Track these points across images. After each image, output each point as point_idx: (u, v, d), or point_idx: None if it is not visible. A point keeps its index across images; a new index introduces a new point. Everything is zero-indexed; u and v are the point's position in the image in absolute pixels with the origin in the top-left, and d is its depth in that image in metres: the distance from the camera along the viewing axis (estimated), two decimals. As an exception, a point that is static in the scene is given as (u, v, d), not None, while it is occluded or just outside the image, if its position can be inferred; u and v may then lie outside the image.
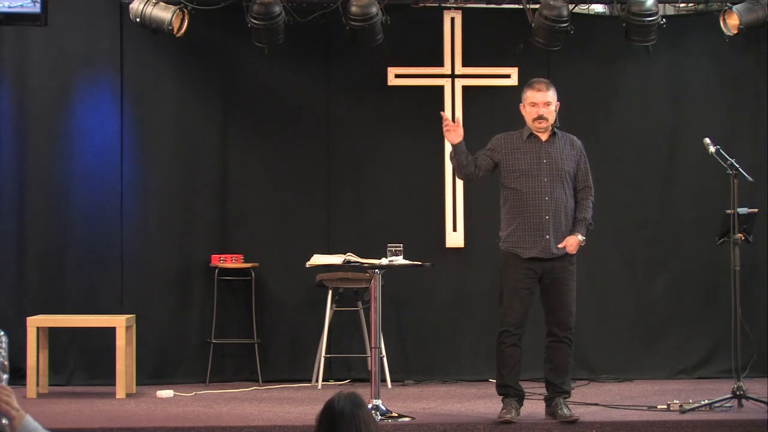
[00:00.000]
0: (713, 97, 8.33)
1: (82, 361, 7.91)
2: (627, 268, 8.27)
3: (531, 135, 6.32)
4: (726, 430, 6.03)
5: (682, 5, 8.16)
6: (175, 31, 7.65)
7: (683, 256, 8.26)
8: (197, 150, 8.12)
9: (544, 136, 6.31)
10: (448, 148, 8.09)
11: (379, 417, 6.19)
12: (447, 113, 8.11)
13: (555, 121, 6.33)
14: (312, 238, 8.00)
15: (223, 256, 7.92)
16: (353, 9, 7.50)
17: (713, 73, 8.34)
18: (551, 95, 6.29)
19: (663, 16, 7.80)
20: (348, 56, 8.09)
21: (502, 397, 6.28)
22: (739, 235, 6.56)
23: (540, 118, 6.26)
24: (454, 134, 6.29)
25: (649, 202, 8.29)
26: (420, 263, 6.52)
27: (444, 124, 6.32)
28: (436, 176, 8.16)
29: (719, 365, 8.04)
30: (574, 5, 7.85)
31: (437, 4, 8.10)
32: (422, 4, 8.00)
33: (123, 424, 6.22)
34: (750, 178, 6.67)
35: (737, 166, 6.58)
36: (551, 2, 7.55)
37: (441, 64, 8.15)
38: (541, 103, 6.26)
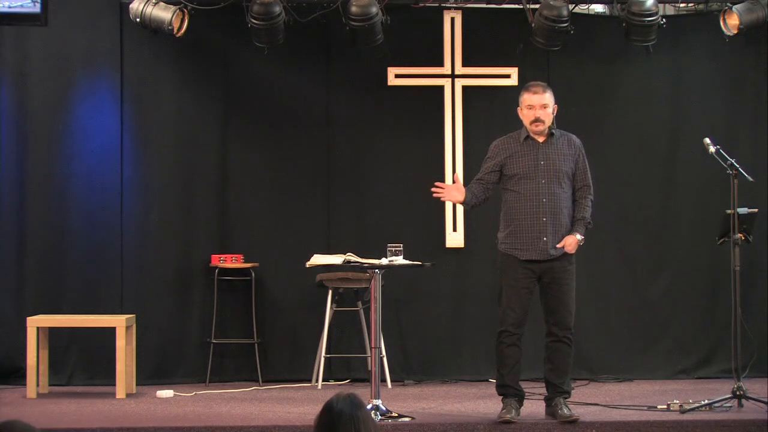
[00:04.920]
0: (713, 97, 8.32)
1: (82, 361, 7.91)
2: (627, 268, 8.27)
3: (528, 137, 6.31)
4: (726, 430, 6.03)
5: (682, 5, 8.16)
6: (175, 31, 7.65)
7: (683, 256, 8.25)
8: (197, 150, 8.12)
9: (541, 138, 6.30)
10: (448, 148, 8.14)
11: (379, 417, 6.18)
12: (447, 113, 8.13)
13: (552, 124, 6.32)
14: (312, 238, 8.00)
15: (223, 256, 7.92)
16: (353, 9, 7.49)
17: (713, 73, 8.34)
18: (548, 98, 6.28)
19: (663, 16, 7.80)
20: (348, 56, 8.08)
21: (501, 397, 6.28)
22: (739, 235, 6.55)
23: (537, 120, 6.25)
24: (452, 195, 6.29)
25: (649, 202, 8.29)
26: (420, 263, 6.51)
27: (434, 194, 6.30)
28: (436, 176, 8.11)
29: (719, 365, 8.04)
30: (574, 5, 7.85)
31: (437, 4, 8.10)
32: (422, 4, 8.00)
33: (123, 424, 6.22)
34: (750, 178, 6.66)
35: (737, 166, 6.57)
36: (551, 2, 7.55)
37: (441, 64, 8.14)
38: (538, 106, 6.25)
